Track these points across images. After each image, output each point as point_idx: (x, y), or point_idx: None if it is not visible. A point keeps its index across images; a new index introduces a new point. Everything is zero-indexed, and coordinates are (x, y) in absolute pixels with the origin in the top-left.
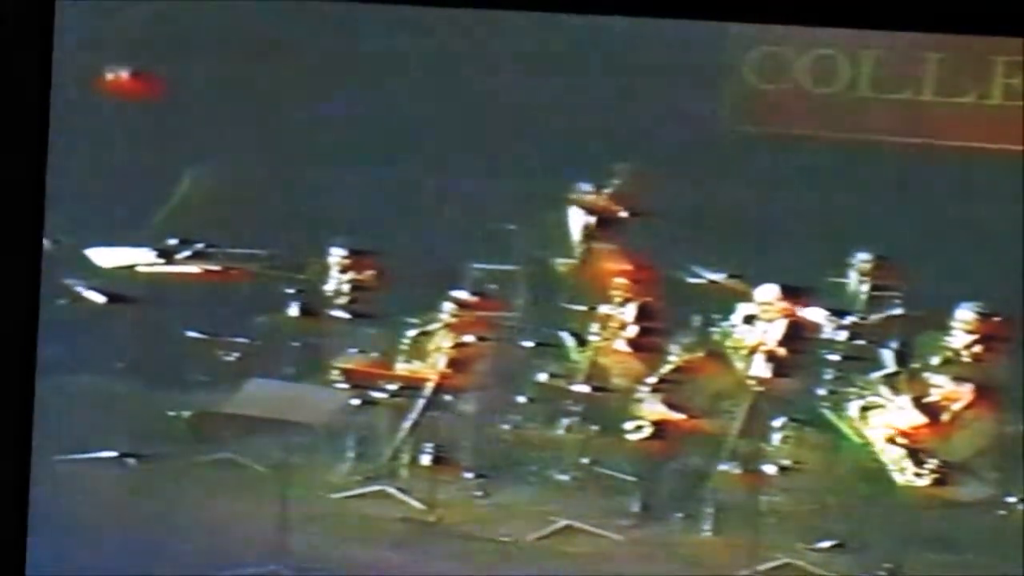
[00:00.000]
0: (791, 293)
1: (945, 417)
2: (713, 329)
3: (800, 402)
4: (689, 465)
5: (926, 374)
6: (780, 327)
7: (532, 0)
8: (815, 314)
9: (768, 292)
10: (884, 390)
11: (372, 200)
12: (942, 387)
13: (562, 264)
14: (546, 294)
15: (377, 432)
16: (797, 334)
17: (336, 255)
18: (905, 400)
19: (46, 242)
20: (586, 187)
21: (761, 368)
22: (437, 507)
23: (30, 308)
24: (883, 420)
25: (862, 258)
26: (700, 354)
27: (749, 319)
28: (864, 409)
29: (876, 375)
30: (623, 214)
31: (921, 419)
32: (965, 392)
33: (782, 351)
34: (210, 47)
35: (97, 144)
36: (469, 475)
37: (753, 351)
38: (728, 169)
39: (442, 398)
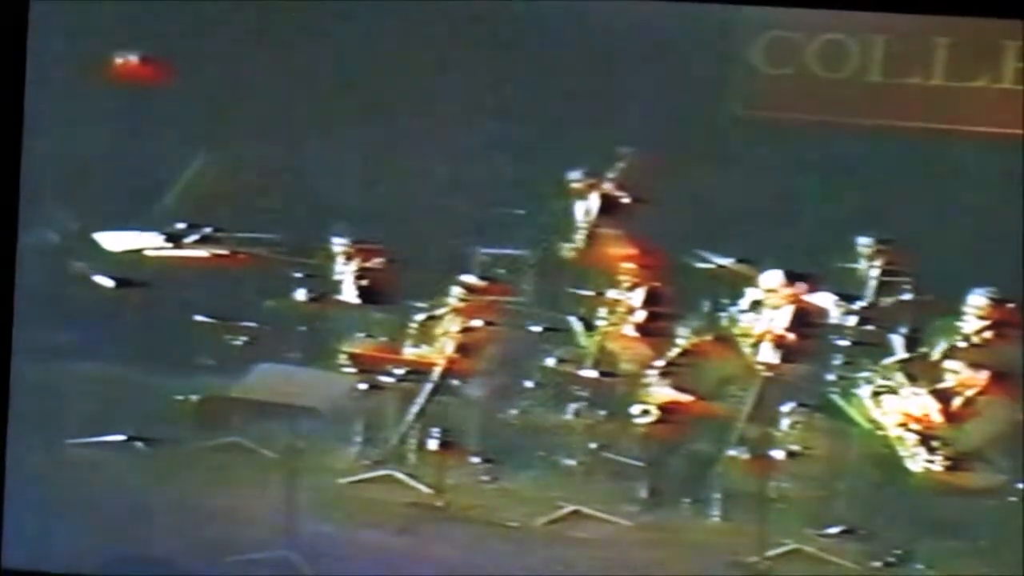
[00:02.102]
0: (798, 278)
1: (959, 403)
2: (722, 314)
3: (809, 387)
4: (697, 450)
5: (940, 360)
6: (788, 312)
7: None
8: (824, 299)
9: (774, 278)
10: (898, 375)
11: (380, 185)
12: (958, 373)
13: (570, 249)
14: (554, 279)
15: (384, 417)
16: (806, 319)
17: (343, 241)
18: (919, 386)
19: (51, 232)
20: (595, 172)
21: (770, 353)
22: (444, 492)
23: (6, 294)
24: (896, 406)
25: (872, 243)
26: (708, 338)
27: (757, 304)
28: (876, 394)
29: (891, 360)
30: (631, 199)
31: (935, 405)
32: (980, 379)
33: (791, 336)
34: (219, 32)
35: (105, 129)
36: (476, 460)
37: (761, 337)
38: (738, 154)
39: (449, 383)
